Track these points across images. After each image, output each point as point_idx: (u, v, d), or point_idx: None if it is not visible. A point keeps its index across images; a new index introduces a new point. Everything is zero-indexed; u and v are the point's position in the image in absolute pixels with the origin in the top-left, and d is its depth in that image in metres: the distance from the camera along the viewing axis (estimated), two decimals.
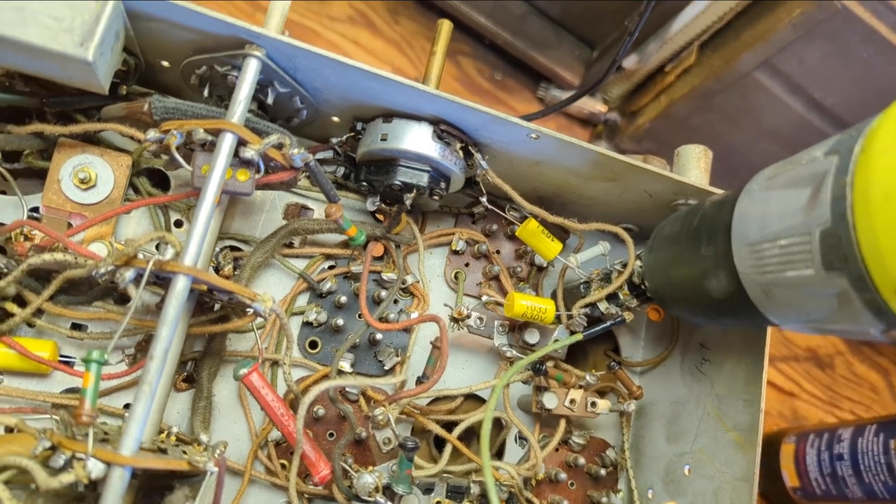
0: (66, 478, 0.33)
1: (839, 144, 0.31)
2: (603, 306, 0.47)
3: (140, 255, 0.37)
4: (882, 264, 0.27)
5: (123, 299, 0.45)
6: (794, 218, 0.32)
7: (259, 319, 0.45)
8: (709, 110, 0.75)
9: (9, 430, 0.43)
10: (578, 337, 0.46)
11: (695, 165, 0.47)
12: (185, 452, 0.38)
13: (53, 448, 0.35)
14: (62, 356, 0.44)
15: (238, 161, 0.39)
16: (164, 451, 0.38)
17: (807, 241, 0.31)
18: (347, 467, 0.42)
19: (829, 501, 0.72)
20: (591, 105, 0.86)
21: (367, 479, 0.40)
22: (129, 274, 0.37)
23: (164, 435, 0.42)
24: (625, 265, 0.48)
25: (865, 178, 0.28)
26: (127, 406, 0.45)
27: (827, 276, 0.30)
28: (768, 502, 0.81)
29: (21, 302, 0.42)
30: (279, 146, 0.40)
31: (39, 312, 0.43)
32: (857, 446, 0.69)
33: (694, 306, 0.42)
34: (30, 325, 0.44)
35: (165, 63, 0.44)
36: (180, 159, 0.39)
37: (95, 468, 0.33)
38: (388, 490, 0.40)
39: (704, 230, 0.39)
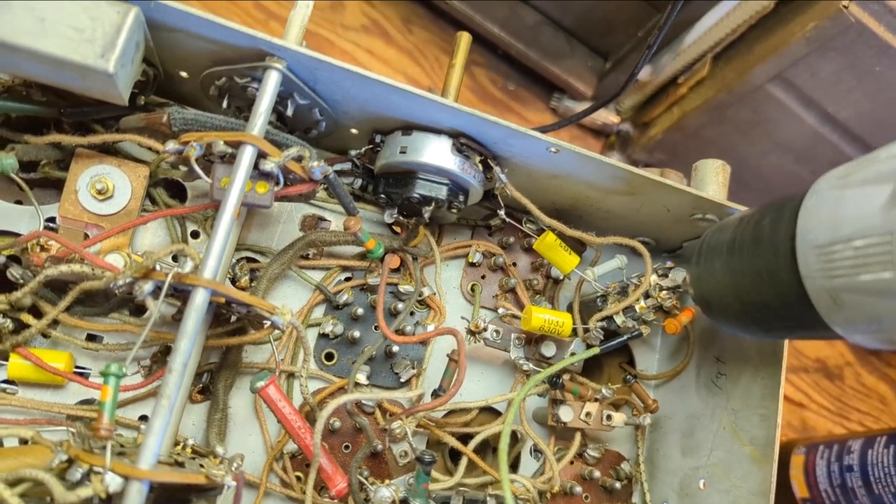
0: (84, 492, 0.33)
1: None
2: (619, 320, 0.47)
3: (157, 268, 0.36)
4: None
5: (139, 310, 0.45)
6: (873, 217, 0.30)
7: (276, 332, 0.44)
8: (721, 122, 0.75)
9: (23, 441, 0.43)
10: (595, 350, 0.45)
11: (713, 180, 0.47)
12: (201, 466, 0.38)
13: (70, 461, 0.35)
14: (77, 367, 0.44)
15: (257, 174, 0.39)
16: (181, 465, 0.38)
17: (887, 241, 0.29)
18: (364, 480, 0.42)
19: None
20: (604, 116, 0.86)
21: (385, 492, 0.40)
22: (147, 286, 0.36)
23: (179, 447, 0.42)
24: (641, 278, 0.48)
25: None
26: (143, 418, 0.44)
27: None
28: None
29: (37, 313, 0.42)
30: (299, 159, 0.40)
31: (55, 323, 0.43)
32: (868, 458, 0.69)
33: (749, 316, 0.39)
34: (45, 335, 0.43)
35: (184, 73, 0.44)
36: (200, 171, 0.39)
37: (113, 482, 0.32)
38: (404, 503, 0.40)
39: (764, 234, 0.37)
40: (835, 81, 0.66)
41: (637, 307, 0.47)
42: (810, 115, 0.70)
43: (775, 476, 0.41)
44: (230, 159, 0.39)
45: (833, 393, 0.93)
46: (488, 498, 0.43)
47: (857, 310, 0.32)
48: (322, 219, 0.50)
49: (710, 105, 0.73)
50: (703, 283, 0.42)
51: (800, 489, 0.76)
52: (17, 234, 0.44)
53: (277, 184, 0.40)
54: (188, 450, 0.42)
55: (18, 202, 0.45)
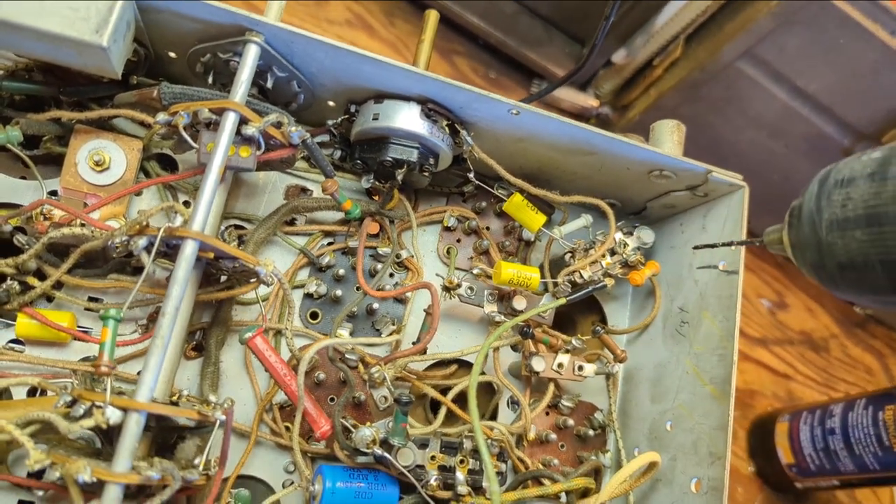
0: (87, 423, 0.36)
1: None
2: (587, 274, 0.50)
3: (149, 224, 0.40)
4: None
5: (136, 273, 0.48)
6: None
7: (262, 288, 0.48)
8: (696, 101, 0.77)
9: (31, 393, 0.46)
10: (562, 301, 0.48)
11: (668, 139, 0.50)
12: (195, 406, 0.41)
13: (73, 401, 0.38)
14: (80, 326, 0.47)
15: (240, 139, 0.43)
16: (175, 404, 0.41)
17: None
18: (347, 425, 0.45)
19: (823, 476, 0.74)
20: (583, 100, 0.88)
21: (366, 432, 0.43)
22: (141, 242, 0.40)
23: (175, 397, 0.45)
24: (606, 236, 0.51)
25: None
26: (140, 373, 0.48)
27: None
28: (765, 481, 0.82)
29: (42, 277, 0.45)
30: (278, 124, 0.43)
31: (58, 285, 0.46)
32: (848, 420, 0.71)
33: (888, 271, 0.34)
34: (49, 299, 0.47)
35: (172, 54, 0.48)
36: (188, 138, 0.42)
37: (113, 415, 0.36)
38: (385, 443, 0.43)
39: None
40: (802, 55, 0.68)
41: (603, 262, 0.50)
42: (781, 90, 0.73)
43: (733, 411, 0.44)
44: (215, 126, 0.42)
45: (819, 364, 0.95)
46: (465, 440, 0.46)
47: None
48: (305, 189, 0.53)
49: (684, 84, 0.76)
50: (823, 229, 0.36)
51: (785, 455, 0.78)
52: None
53: (259, 148, 0.44)
54: (183, 399, 0.45)
55: (23, 178, 0.49)
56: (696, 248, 0.51)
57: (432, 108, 0.47)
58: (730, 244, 0.48)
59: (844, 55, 0.66)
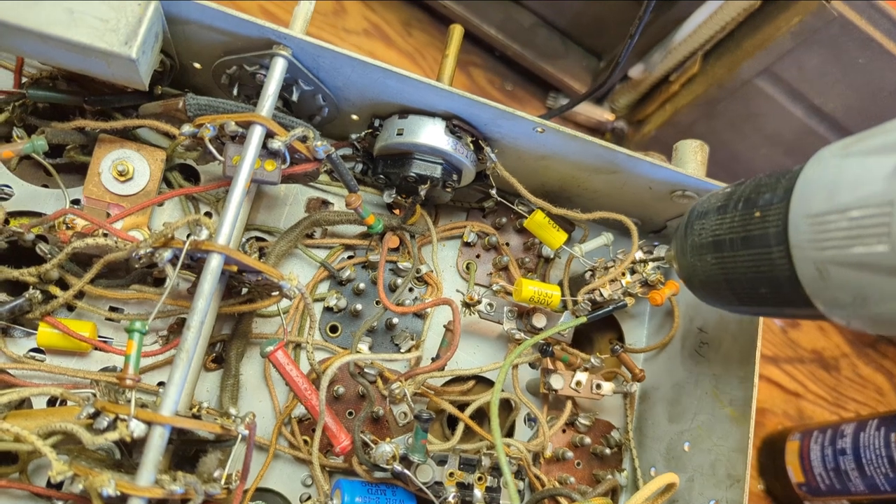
0: (111, 436, 0.36)
1: None
2: (606, 293, 0.50)
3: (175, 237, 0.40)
4: None
5: (157, 283, 0.48)
6: (874, 186, 0.29)
7: (284, 301, 0.48)
8: (712, 117, 0.77)
9: (51, 403, 0.46)
10: (582, 320, 0.48)
11: (692, 158, 0.50)
12: (217, 420, 0.41)
13: (96, 413, 0.38)
14: (100, 337, 0.47)
15: (266, 152, 0.43)
16: (198, 417, 0.41)
17: (886, 212, 0.28)
18: (366, 439, 0.45)
19: (833, 496, 0.74)
20: (599, 114, 0.89)
21: (386, 448, 0.42)
22: (166, 254, 0.40)
23: (195, 409, 0.45)
24: (627, 254, 0.51)
25: None
26: (161, 384, 0.48)
27: None
28: (774, 500, 0.82)
29: (63, 287, 0.45)
30: (304, 139, 0.43)
31: (80, 295, 0.46)
32: (860, 440, 0.71)
33: (732, 288, 0.38)
34: (70, 308, 0.47)
35: (197, 65, 0.48)
36: (214, 150, 0.42)
37: (137, 428, 0.35)
38: (404, 459, 0.43)
39: (757, 201, 0.36)
40: (820, 74, 0.68)
41: (623, 281, 0.50)
42: (798, 108, 0.73)
43: (752, 433, 0.44)
44: (241, 139, 0.42)
45: (829, 383, 0.95)
46: (483, 457, 0.46)
47: (843, 285, 0.31)
48: (326, 202, 0.53)
49: (701, 101, 0.76)
50: (689, 253, 0.41)
51: (795, 474, 0.78)
52: (44, 215, 0.47)
53: (284, 162, 0.44)
54: (204, 411, 0.45)
55: (45, 186, 0.49)
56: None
57: (457, 125, 0.47)
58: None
59: (864, 75, 0.66)
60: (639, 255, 0.52)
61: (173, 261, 0.40)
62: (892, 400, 0.97)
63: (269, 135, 0.42)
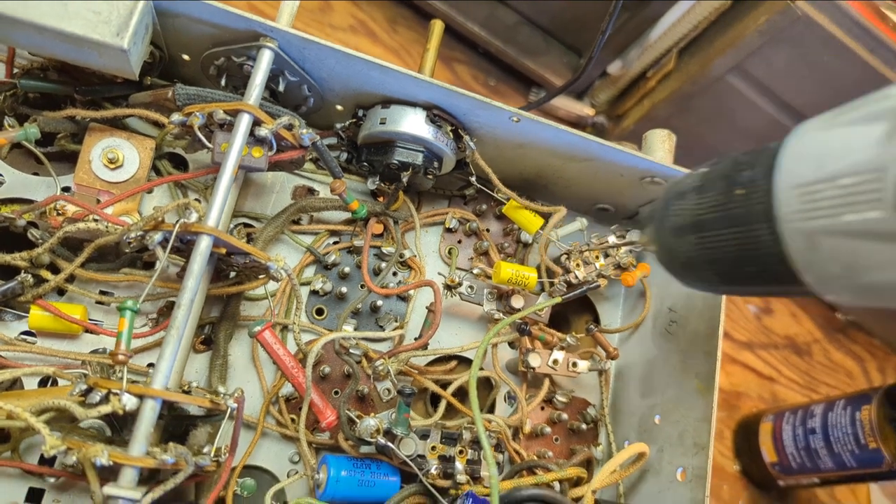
0: (104, 409, 0.37)
1: None
2: (581, 274, 0.52)
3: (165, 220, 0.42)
4: None
5: (146, 267, 0.50)
6: (864, 153, 0.29)
7: (272, 285, 0.49)
8: (688, 112, 0.79)
9: (43, 384, 0.47)
10: (558, 300, 0.50)
11: (660, 146, 0.52)
12: (205, 395, 0.43)
13: (89, 391, 0.39)
14: (91, 320, 0.48)
15: (253, 140, 0.44)
16: (188, 393, 0.42)
17: (878, 178, 0.28)
18: (352, 416, 0.46)
19: (804, 474, 0.77)
20: (580, 109, 0.91)
21: (370, 422, 0.44)
22: (157, 237, 0.41)
23: (185, 387, 0.47)
24: (601, 238, 0.53)
25: None
26: (151, 365, 0.49)
27: None
28: (749, 480, 0.85)
29: (55, 271, 0.47)
30: (290, 127, 0.45)
31: (71, 279, 0.47)
32: (828, 420, 0.74)
33: (715, 268, 0.38)
34: (60, 292, 0.48)
35: (186, 56, 0.49)
36: (203, 138, 0.44)
37: (129, 401, 0.37)
38: (388, 433, 0.45)
39: (739, 177, 0.35)
40: (788, 71, 0.70)
41: (597, 264, 0.53)
42: (768, 104, 0.75)
43: (716, 403, 0.46)
44: (229, 127, 0.44)
45: (802, 368, 0.98)
46: (464, 431, 0.48)
47: (833, 255, 0.31)
48: (312, 190, 0.55)
49: (676, 96, 0.78)
50: (666, 235, 0.40)
51: (769, 454, 0.81)
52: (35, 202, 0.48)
53: (271, 149, 0.45)
54: (193, 389, 0.47)
55: (35, 173, 0.50)
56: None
57: (437, 114, 0.48)
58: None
59: (828, 72, 0.68)
60: (612, 239, 0.54)
61: (163, 243, 0.42)
62: (861, 383, 1.00)
63: (257, 123, 0.44)
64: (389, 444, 0.44)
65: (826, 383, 0.97)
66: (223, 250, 0.44)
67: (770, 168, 0.33)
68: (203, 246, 0.40)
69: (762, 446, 0.81)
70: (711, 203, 0.37)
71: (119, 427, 0.44)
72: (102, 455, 0.35)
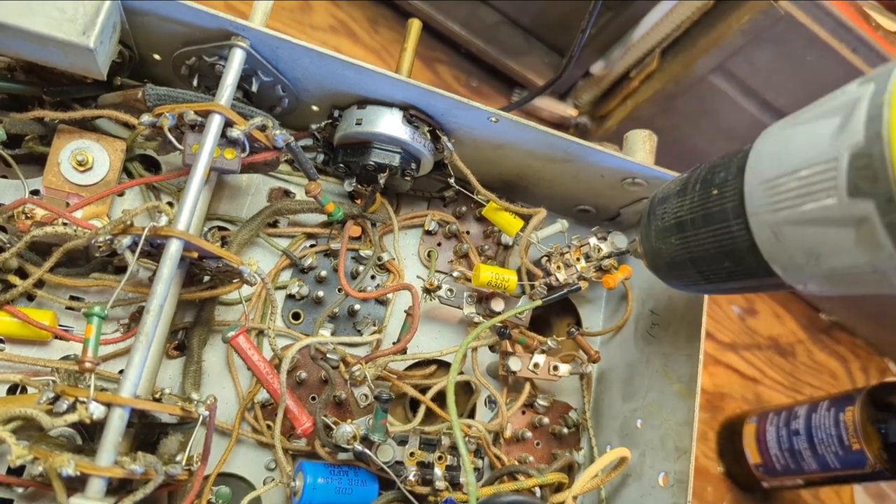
0: (70, 417, 0.36)
1: (874, 75, 0.31)
2: (562, 277, 0.51)
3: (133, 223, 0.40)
4: None
5: (118, 272, 0.48)
6: (820, 146, 0.31)
7: (246, 289, 0.49)
8: (671, 112, 0.79)
9: (11, 391, 0.46)
10: (538, 303, 0.50)
11: (641, 147, 0.52)
12: (177, 402, 0.42)
13: (56, 399, 0.38)
14: (60, 325, 0.47)
15: (225, 141, 0.44)
16: (158, 401, 0.41)
17: (832, 167, 0.30)
18: (328, 422, 0.46)
19: (788, 475, 0.77)
20: (563, 109, 0.90)
21: (347, 428, 0.43)
22: (125, 241, 0.40)
23: (157, 395, 0.46)
24: (582, 240, 0.53)
25: None
26: (121, 372, 0.48)
27: (850, 203, 0.29)
28: (733, 481, 0.85)
29: (23, 276, 0.45)
30: (263, 128, 0.44)
31: (40, 284, 0.46)
32: (812, 421, 0.74)
33: (697, 266, 0.40)
34: (30, 297, 0.47)
35: (157, 56, 0.48)
36: (173, 139, 0.43)
37: (97, 410, 0.36)
38: (365, 440, 0.44)
39: (716, 176, 0.38)
40: (771, 71, 0.70)
41: (578, 266, 0.52)
42: (751, 104, 0.75)
43: (698, 407, 0.46)
44: (200, 128, 0.43)
45: (786, 368, 0.98)
46: (443, 437, 0.47)
47: (797, 244, 0.33)
48: (288, 192, 0.54)
49: (659, 96, 0.78)
50: (654, 237, 0.43)
51: (753, 456, 0.81)
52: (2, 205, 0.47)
53: (244, 151, 0.44)
54: (165, 396, 0.46)
55: (3, 176, 0.49)
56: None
57: (414, 115, 0.48)
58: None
59: (810, 71, 0.68)
60: (593, 241, 0.53)
61: (132, 247, 0.41)
62: (845, 384, 1.01)
63: (229, 124, 0.43)
64: (367, 450, 0.44)
65: (810, 384, 0.98)
66: (195, 254, 0.43)
67: (741, 168, 0.36)
68: (173, 250, 0.40)
69: (746, 448, 0.81)
70: (690, 205, 0.40)
71: (90, 436, 0.43)
72: (69, 465, 0.35)
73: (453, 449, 0.47)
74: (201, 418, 0.40)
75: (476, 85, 0.90)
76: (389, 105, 0.48)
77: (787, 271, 0.35)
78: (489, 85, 0.91)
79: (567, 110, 0.91)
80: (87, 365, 0.37)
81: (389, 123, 0.48)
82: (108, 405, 0.36)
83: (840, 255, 0.31)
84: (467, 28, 0.84)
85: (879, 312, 0.98)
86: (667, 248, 0.42)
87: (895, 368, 1.04)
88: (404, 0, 0.80)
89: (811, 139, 0.32)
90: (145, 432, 0.42)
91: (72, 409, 0.37)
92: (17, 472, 0.43)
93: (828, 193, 0.30)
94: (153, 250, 0.43)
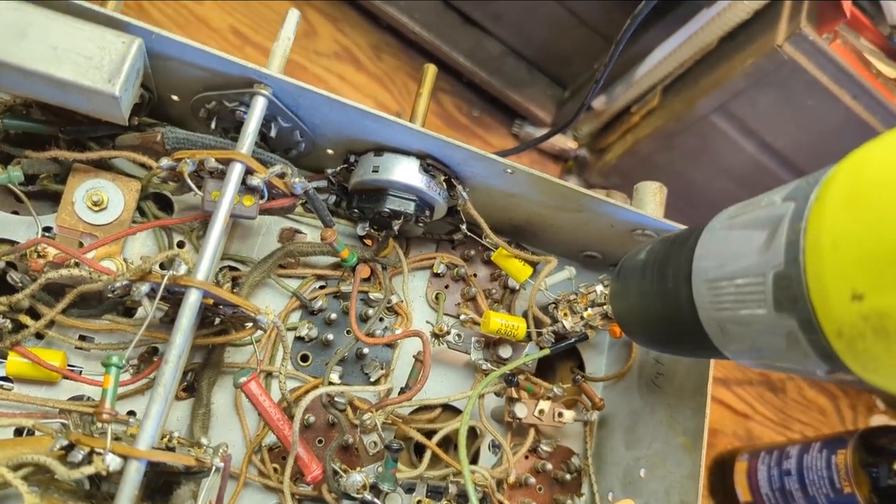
0: (87, 470, 0.36)
1: (796, 191, 0.32)
2: (568, 325, 0.52)
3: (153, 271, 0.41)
4: (827, 309, 0.28)
5: (128, 313, 0.48)
6: (751, 259, 0.33)
7: (258, 333, 0.49)
8: (671, 149, 0.80)
9: (18, 433, 0.46)
10: (546, 352, 0.50)
11: (651, 200, 0.53)
12: (190, 451, 0.42)
13: (70, 446, 0.38)
14: (70, 365, 0.47)
15: (244, 188, 0.44)
16: (171, 450, 0.41)
17: (760, 281, 0.32)
18: (337, 468, 0.46)
19: None
20: (563, 142, 0.91)
21: (356, 477, 0.44)
22: (144, 288, 0.40)
23: (166, 439, 0.45)
24: (589, 288, 0.53)
25: (817, 226, 0.29)
26: (131, 413, 0.48)
27: (777, 316, 0.31)
28: None
29: (34, 315, 0.45)
30: (282, 175, 0.45)
31: (50, 324, 0.46)
32: (804, 462, 0.75)
33: (653, 335, 0.44)
34: (39, 336, 0.47)
35: (175, 97, 0.49)
36: (193, 185, 0.43)
37: (113, 462, 0.36)
38: (374, 488, 0.44)
39: (669, 265, 0.40)
40: (772, 114, 0.72)
41: (584, 314, 0.53)
42: (750, 144, 0.76)
43: (704, 462, 0.47)
44: (220, 175, 0.43)
45: (776, 405, 0.99)
46: (450, 485, 0.48)
47: (740, 339, 0.35)
48: (299, 231, 0.54)
49: (660, 133, 0.79)
50: (619, 299, 0.46)
51: (743, 494, 0.81)
52: (15, 242, 0.47)
53: (262, 197, 0.45)
54: (175, 441, 0.46)
55: (15, 212, 0.48)
56: None
57: (431, 164, 0.48)
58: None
59: (811, 116, 0.69)
60: (600, 288, 0.54)
61: (150, 294, 0.41)
62: (834, 420, 1.02)
63: (248, 171, 0.43)
64: (375, 499, 0.44)
65: (800, 420, 0.99)
66: (211, 301, 0.43)
67: (689, 263, 0.38)
68: (192, 300, 0.40)
69: (737, 485, 0.82)
70: (649, 291, 0.42)
71: (99, 480, 0.43)
72: None
73: (460, 497, 0.47)
74: (214, 468, 0.40)
75: (478, 115, 0.91)
76: (406, 153, 0.49)
77: (736, 356, 0.37)
78: (491, 115, 0.91)
79: (567, 142, 0.92)
80: (106, 416, 0.37)
81: (406, 172, 0.48)
82: (125, 457, 0.36)
83: (776, 354, 0.33)
84: (471, 59, 0.85)
85: None
86: (630, 319, 0.45)
87: (882, 406, 1.05)
88: (409, 29, 0.81)
89: (744, 248, 0.34)
90: (154, 479, 0.42)
91: (87, 459, 0.37)
92: None
93: (758, 304, 0.32)
94: (168, 294, 0.43)
